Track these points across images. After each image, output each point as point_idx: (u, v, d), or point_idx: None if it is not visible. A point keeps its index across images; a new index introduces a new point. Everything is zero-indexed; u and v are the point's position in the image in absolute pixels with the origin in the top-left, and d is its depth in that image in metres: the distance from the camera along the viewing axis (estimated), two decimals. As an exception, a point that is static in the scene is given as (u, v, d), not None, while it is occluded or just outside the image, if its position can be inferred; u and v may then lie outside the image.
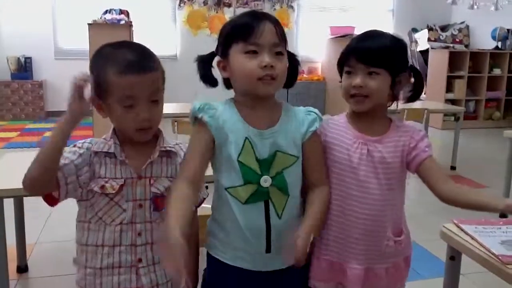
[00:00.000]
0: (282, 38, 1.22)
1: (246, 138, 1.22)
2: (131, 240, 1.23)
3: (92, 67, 1.23)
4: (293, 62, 1.30)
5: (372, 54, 1.30)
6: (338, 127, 1.38)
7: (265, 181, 1.22)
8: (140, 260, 1.24)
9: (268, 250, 1.25)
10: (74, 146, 1.25)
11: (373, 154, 1.33)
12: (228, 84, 1.29)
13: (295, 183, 1.28)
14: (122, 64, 1.17)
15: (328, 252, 1.37)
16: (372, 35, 1.35)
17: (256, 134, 1.23)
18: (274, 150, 1.23)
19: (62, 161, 1.18)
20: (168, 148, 1.30)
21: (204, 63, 1.28)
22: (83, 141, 1.26)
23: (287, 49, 1.26)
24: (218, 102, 1.28)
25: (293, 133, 1.27)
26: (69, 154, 1.22)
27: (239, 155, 1.22)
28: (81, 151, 1.23)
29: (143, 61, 1.19)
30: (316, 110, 1.33)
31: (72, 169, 1.20)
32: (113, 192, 1.21)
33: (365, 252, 1.34)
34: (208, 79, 1.29)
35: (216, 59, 1.28)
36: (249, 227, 1.23)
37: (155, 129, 1.27)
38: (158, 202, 1.25)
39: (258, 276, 1.27)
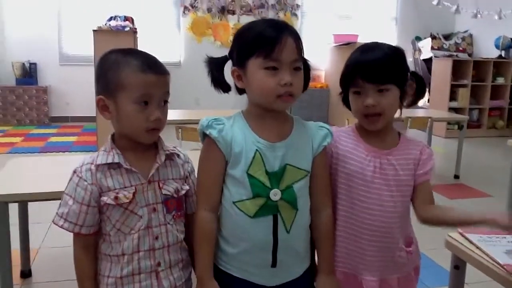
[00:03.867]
0: (301, 52, 1.20)
1: (257, 150, 1.21)
2: (149, 245, 1.22)
3: (103, 64, 1.22)
4: (306, 67, 1.27)
5: (379, 73, 1.28)
6: (349, 139, 1.38)
7: (275, 194, 1.20)
8: (159, 264, 1.24)
9: (274, 264, 1.23)
10: (75, 174, 1.22)
11: (385, 167, 1.33)
12: (240, 90, 1.27)
13: (305, 197, 1.27)
14: (143, 63, 1.19)
15: (343, 264, 1.37)
16: (372, 50, 1.31)
17: (267, 146, 1.21)
18: (284, 164, 1.22)
19: (82, 217, 1.21)
20: (171, 151, 1.30)
21: (216, 67, 1.26)
22: (80, 164, 1.23)
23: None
24: (226, 117, 1.27)
25: (304, 148, 1.26)
26: (79, 197, 1.20)
27: (248, 167, 1.20)
28: (85, 175, 1.21)
29: (159, 63, 1.23)
30: (327, 126, 1.32)
31: (92, 214, 1.21)
32: (127, 201, 1.20)
33: (379, 263, 1.34)
34: (220, 84, 1.27)
35: (231, 67, 1.25)
36: (256, 241, 1.21)
37: (161, 131, 1.27)
38: (169, 204, 1.26)
39: None
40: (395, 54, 1.32)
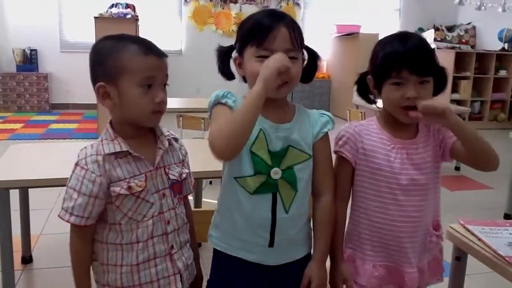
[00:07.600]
0: (297, 42, 1.20)
1: (261, 129, 1.22)
2: (162, 230, 1.23)
3: (99, 51, 1.20)
4: (313, 57, 1.29)
5: (425, 64, 1.26)
6: (372, 133, 1.36)
7: (275, 173, 1.22)
8: (172, 247, 1.26)
9: (271, 244, 1.25)
10: (78, 167, 1.17)
11: (413, 157, 1.32)
12: (244, 77, 1.29)
13: (305, 180, 1.28)
14: (142, 46, 1.18)
15: (383, 259, 1.37)
16: (410, 39, 1.28)
17: (271, 127, 1.24)
18: (287, 145, 1.24)
19: (89, 209, 1.17)
20: (171, 136, 1.32)
21: (222, 55, 1.29)
22: (83, 156, 1.18)
23: (304, 46, 1.24)
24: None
25: (306, 132, 1.28)
26: (86, 190, 1.16)
27: (252, 145, 1.21)
28: (92, 167, 1.16)
29: (157, 47, 1.22)
30: (329, 113, 1.33)
31: (98, 206, 1.18)
32: (140, 189, 1.19)
33: (415, 253, 1.35)
34: (224, 72, 1.30)
35: (234, 55, 1.28)
36: (255, 219, 1.23)
37: (163, 114, 1.25)
38: (175, 188, 1.28)
39: (259, 269, 1.27)
40: (428, 44, 1.31)
